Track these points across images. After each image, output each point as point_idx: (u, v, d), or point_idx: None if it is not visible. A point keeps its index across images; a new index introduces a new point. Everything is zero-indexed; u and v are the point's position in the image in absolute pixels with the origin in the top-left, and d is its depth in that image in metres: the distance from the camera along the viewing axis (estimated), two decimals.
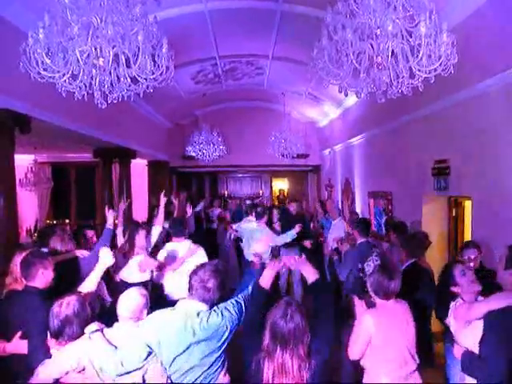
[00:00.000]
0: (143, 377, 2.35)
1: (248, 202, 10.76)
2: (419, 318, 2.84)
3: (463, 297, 2.76)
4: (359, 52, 2.88)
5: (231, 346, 2.45)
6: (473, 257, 3.46)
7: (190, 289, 2.43)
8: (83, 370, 2.35)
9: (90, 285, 2.86)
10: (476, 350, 2.48)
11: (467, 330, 2.60)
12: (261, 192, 15.08)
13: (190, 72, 8.01)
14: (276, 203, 14.06)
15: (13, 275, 2.97)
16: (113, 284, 4.03)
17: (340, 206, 8.72)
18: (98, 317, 2.76)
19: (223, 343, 2.38)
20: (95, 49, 2.78)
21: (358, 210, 8.55)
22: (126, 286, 3.50)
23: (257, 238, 5.67)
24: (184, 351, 2.30)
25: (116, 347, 2.37)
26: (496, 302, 2.45)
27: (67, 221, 11.39)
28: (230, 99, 10.93)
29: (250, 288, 2.56)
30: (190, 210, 6.13)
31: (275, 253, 6.26)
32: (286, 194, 15.68)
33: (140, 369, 2.34)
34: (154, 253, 4.49)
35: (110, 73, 2.90)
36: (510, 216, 3.86)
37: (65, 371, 2.33)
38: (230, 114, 11.75)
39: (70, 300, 2.42)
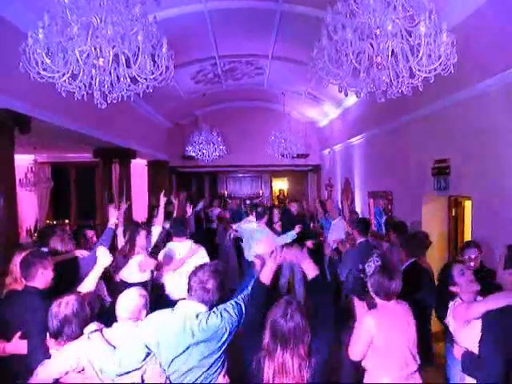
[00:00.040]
0: (142, 377, 2.35)
1: (248, 201, 10.76)
2: (419, 317, 2.84)
3: (462, 296, 2.76)
4: (359, 52, 2.88)
5: (231, 346, 2.44)
6: (473, 256, 3.46)
7: (190, 290, 2.42)
8: (83, 370, 2.35)
9: (88, 285, 2.86)
10: (475, 350, 2.48)
11: (466, 330, 2.61)
12: (261, 192, 15.08)
13: (190, 72, 8.01)
14: (276, 203, 14.06)
15: (13, 275, 2.97)
16: (113, 284, 4.02)
17: (340, 206, 8.72)
18: (97, 317, 2.76)
19: (222, 344, 2.37)
20: (95, 49, 2.78)
21: (358, 209, 8.54)
22: (126, 286, 3.50)
23: (257, 239, 5.65)
24: (183, 352, 2.29)
25: (115, 347, 2.36)
26: (494, 302, 2.45)
27: (67, 221, 11.39)
28: (230, 99, 10.93)
29: (250, 287, 2.55)
30: (190, 210, 6.13)
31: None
32: (285, 194, 15.68)
33: (139, 369, 2.33)
34: (154, 253, 4.49)
35: (110, 73, 2.90)
36: (510, 216, 3.86)
37: (64, 371, 2.32)
38: (230, 113, 11.75)
39: (69, 300, 2.41)
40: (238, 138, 11.86)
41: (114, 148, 8.28)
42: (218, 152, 10.76)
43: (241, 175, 15.08)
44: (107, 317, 2.70)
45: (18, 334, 2.63)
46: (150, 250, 4.45)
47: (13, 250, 3.37)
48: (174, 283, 4.21)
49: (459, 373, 2.66)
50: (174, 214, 5.82)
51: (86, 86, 2.94)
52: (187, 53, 6.71)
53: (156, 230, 4.65)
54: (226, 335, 2.35)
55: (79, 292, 2.71)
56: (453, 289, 2.82)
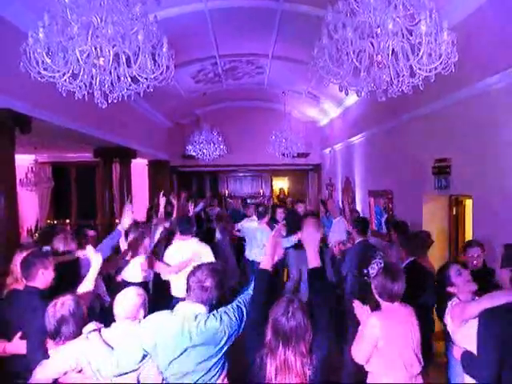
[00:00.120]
0: (138, 378, 2.34)
1: (248, 201, 10.74)
2: (420, 317, 2.83)
3: (459, 296, 2.76)
4: (359, 51, 2.87)
5: (232, 346, 2.40)
6: (476, 255, 3.46)
7: (188, 290, 2.38)
8: (82, 370, 2.35)
9: (88, 284, 2.86)
10: (473, 350, 2.48)
11: (463, 330, 2.60)
12: (261, 191, 15.08)
13: (191, 71, 8.01)
14: (276, 202, 14.06)
15: (13, 275, 2.97)
16: (113, 284, 4.02)
17: (341, 205, 8.72)
18: (97, 316, 2.75)
19: (221, 349, 2.31)
20: (95, 48, 2.78)
21: (359, 208, 8.54)
22: (127, 285, 3.49)
23: (259, 239, 5.65)
24: (180, 355, 2.26)
25: (113, 348, 2.35)
26: (489, 301, 2.44)
27: (68, 220, 11.41)
28: (231, 98, 10.93)
29: (250, 287, 2.54)
30: (191, 209, 6.13)
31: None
32: (286, 193, 15.69)
33: (136, 370, 2.32)
34: (155, 252, 4.49)
35: (111, 72, 2.90)
36: (511, 215, 3.85)
37: (63, 371, 2.31)
38: (231, 113, 11.75)
39: (65, 300, 2.40)
40: (239, 137, 11.85)
41: (114, 148, 8.27)
42: (219, 151, 10.76)
43: (241, 174, 15.08)
44: (106, 316, 2.70)
45: (19, 334, 2.63)
46: (150, 250, 4.45)
47: (13, 249, 3.37)
48: (178, 282, 4.20)
49: (460, 372, 2.65)
50: (174, 215, 5.82)
51: (86, 86, 2.94)
52: (188, 52, 6.71)
53: (157, 230, 4.65)
54: (224, 339, 2.29)
55: (75, 292, 2.70)
56: (450, 289, 2.82)
